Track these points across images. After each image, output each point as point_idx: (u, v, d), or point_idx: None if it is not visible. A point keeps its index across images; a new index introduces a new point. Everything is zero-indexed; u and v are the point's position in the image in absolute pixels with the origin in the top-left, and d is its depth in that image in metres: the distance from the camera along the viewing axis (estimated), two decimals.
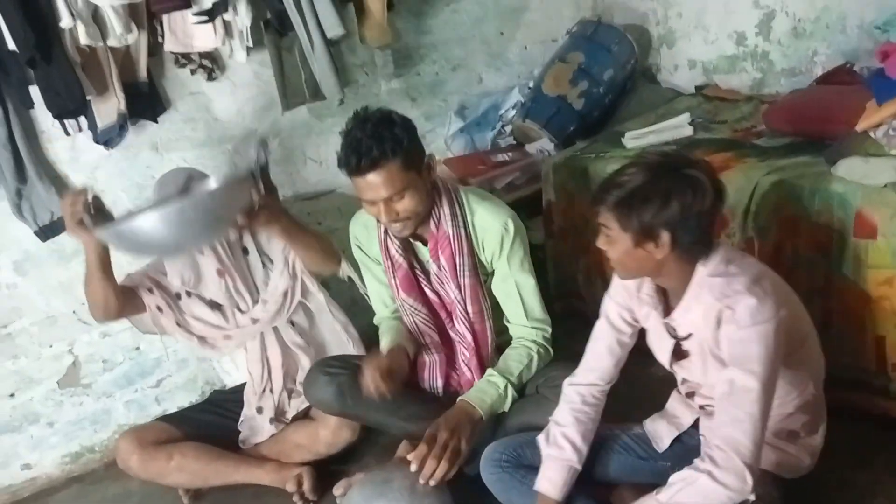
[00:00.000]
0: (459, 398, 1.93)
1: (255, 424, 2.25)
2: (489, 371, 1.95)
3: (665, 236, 1.44)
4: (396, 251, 1.99)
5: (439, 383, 2.07)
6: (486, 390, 1.91)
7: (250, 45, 2.49)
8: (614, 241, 1.49)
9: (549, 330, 2.00)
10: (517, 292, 1.96)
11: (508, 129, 3.10)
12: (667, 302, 1.60)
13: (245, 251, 2.24)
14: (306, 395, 2.11)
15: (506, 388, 1.91)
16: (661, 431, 1.73)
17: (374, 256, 2.07)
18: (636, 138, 2.57)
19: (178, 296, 2.22)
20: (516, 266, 1.95)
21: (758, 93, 2.81)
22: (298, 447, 2.19)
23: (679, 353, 1.63)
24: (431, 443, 1.81)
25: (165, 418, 2.29)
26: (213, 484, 2.18)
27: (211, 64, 2.55)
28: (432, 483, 1.78)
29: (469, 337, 1.99)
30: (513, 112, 3.09)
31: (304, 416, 2.24)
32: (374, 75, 2.88)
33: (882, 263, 1.80)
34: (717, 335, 1.47)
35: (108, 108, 2.35)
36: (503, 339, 2.04)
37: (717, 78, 2.98)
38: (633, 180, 1.44)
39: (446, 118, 3.11)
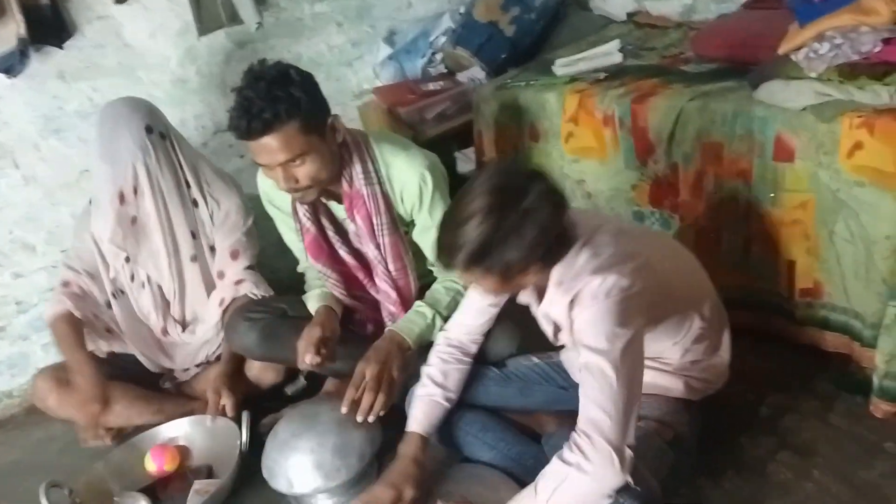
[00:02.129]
0: (387, 328, 1.92)
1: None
2: (417, 303, 1.93)
3: (533, 266, 1.41)
4: (305, 214, 1.89)
5: (369, 328, 2.05)
6: (414, 320, 1.90)
7: None
8: (482, 285, 1.46)
9: None
10: None
11: (439, 56, 3.02)
12: (539, 292, 1.57)
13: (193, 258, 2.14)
14: (228, 340, 2.06)
15: (433, 317, 1.90)
16: (574, 361, 1.74)
17: (287, 211, 1.96)
18: (566, 66, 2.52)
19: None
20: (438, 216, 1.85)
21: (688, 19, 2.77)
22: None
23: (557, 330, 1.61)
24: (361, 379, 1.79)
25: None
26: (137, 423, 2.13)
27: None
28: (371, 418, 1.78)
29: (393, 294, 1.95)
30: (443, 39, 3.00)
31: None
32: None
33: (798, 187, 1.82)
34: (570, 317, 1.46)
35: (7, 32, 2.20)
36: (426, 281, 2.01)
37: (649, 5, 2.92)
38: (479, 231, 1.34)
39: (374, 45, 3.00)
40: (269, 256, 2.80)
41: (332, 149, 1.76)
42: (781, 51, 1.85)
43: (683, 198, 2.08)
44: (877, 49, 1.70)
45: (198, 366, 2.20)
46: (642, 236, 1.56)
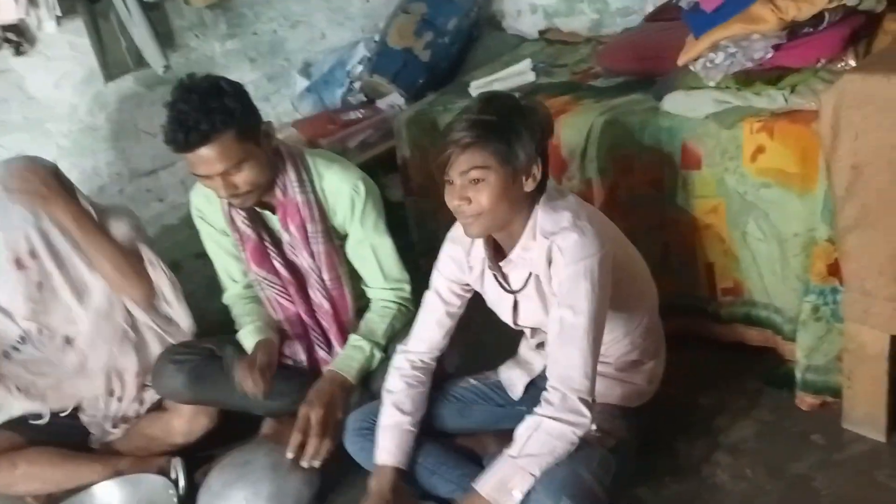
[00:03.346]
0: (326, 368, 1.90)
1: (105, 428, 2.11)
2: (352, 336, 1.91)
3: (537, 167, 1.44)
4: (243, 223, 1.88)
5: (302, 356, 2.01)
6: (352, 356, 1.88)
7: (59, 13, 2.28)
8: (486, 183, 1.41)
9: (409, 288, 1.97)
10: (373, 255, 1.92)
11: (358, 85, 3.01)
12: (499, 253, 1.59)
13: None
14: (155, 386, 2.00)
15: (371, 350, 1.88)
16: (514, 378, 1.76)
17: (219, 227, 1.96)
18: (481, 87, 2.55)
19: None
20: (370, 228, 1.90)
21: (597, 34, 2.84)
22: (153, 440, 2.06)
23: (516, 308, 1.64)
24: (306, 423, 1.77)
25: (3, 425, 2.07)
26: (67, 487, 2.02)
27: (17, 37, 2.31)
28: (316, 464, 1.76)
29: (327, 305, 1.93)
30: (360, 68, 3.00)
31: (156, 406, 2.11)
32: (205, 37, 2.71)
33: (707, 193, 1.88)
34: (550, 273, 1.49)
35: None
36: (362, 303, 1.99)
37: (558, 21, 2.99)
38: (498, 112, 1.42)
39: (291, 78, 2.98)
40: (198, 298, 2.75)
41: (268, 155, 1.79)
42: (680, 62, 1.90)
43: None
44: (768, 55, 1.77)
45: (126, 421, 2.12)
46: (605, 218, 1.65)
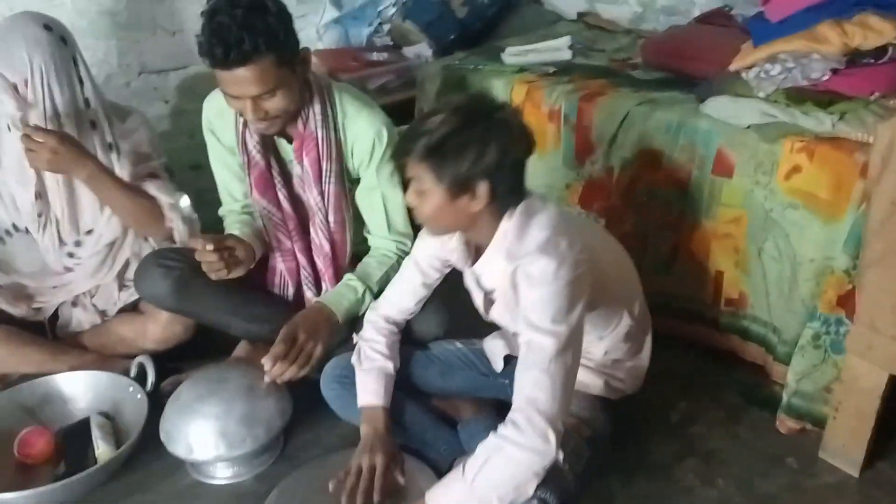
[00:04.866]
0: (316, 300, 1.85)
1: (73, 315, 2.05)
2: (347, 276, 1.86)
3: (483, 187, 1.37)
4: (255, 147, 1.80)
5: (290, 290, 1.95)
6: (343, 294, 1.83)
7: None
8: (427, 195, 1.39)
9: (410, 244, 1.90)
10: (382, 205, 1.86)
11: (386, 27, 2.95)
12: (475, 252, 1.55)
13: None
14: (137, 288, 1.92)
15: (364, 292, 1.83)
16: (496, 350, 1.73)
17: (228, 145, 1.88)
18: (516, 55, 2.50)
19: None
20: (385, 177, 1.83)
21: (637, 27, 2.81)
22: (123, 340, 2.00)
23: (490, 304, 1.60)
24: (289, 343, 1.72)
25: None
26: (23, 371, 1.95)
27: None
28: (279, 381, 1.71)
29: (327, 247, 1.87)
30: (392, 10, 2.94)
31: (132, 307, 2.05)
32: None
33: (733, 202, 1.86)
34: (517, 296, 1.44)
35: None
36: (360, 249, 1.95)
37: (600, 7, 2.94)
38: (445, 126, 1.34)
39: (321, 5, 2.89)
40: None
41: (300, 83, 1.71)
42: (733, 67, 1.88)
43: (613, 202, 2.09)
44: (825, 77, 1.75)
45: (102, 312, 2.05)
46: (585, 223, 1.57)
